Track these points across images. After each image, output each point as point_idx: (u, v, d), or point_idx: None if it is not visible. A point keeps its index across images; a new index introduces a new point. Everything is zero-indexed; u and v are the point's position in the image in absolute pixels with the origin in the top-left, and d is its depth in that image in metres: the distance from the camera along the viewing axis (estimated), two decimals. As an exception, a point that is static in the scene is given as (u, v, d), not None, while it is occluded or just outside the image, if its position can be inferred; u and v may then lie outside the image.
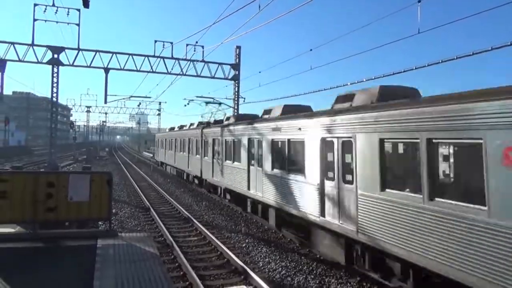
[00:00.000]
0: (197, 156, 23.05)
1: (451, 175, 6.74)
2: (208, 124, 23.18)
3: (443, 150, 6.57)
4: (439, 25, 11.53)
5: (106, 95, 30.57)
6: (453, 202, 6.15)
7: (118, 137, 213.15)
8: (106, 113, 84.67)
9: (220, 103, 27.46)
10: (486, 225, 5.51)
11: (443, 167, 6.65)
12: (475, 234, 5.68)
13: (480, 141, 5.62)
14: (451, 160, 6.59)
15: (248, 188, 14.82)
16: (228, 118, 20.31)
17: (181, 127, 31.34)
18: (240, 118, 18.18)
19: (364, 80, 14.24)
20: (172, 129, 35.28)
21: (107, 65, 29.03)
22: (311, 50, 18.41)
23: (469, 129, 5.82)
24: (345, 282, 8.83)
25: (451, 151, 6.55)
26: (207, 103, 27.56)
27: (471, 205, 5.83)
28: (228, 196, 18.09)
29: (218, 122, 22.00)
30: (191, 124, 28.59)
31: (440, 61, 10.82)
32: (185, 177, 27.60)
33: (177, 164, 29.69)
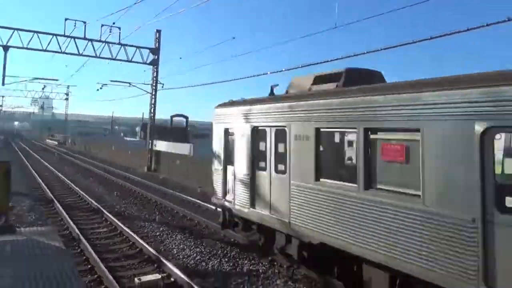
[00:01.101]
0: None
1: None
2: None
3: None
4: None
5: (4, 75, 28.27)
6: None
7: (16, 123, 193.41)
8: (3, 96, 77.11)
9: None
10: None
11: None
12: None
13: None
14: None
15: None
16: None
17: None
18: None
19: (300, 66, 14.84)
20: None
21: (7, 43, 26.17)
22: (233, 38, 18.67)
23: None
24: (257, 263, 9.23)
25: None
26: None
27: None
28: None
29: None
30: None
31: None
32: None
33: None
